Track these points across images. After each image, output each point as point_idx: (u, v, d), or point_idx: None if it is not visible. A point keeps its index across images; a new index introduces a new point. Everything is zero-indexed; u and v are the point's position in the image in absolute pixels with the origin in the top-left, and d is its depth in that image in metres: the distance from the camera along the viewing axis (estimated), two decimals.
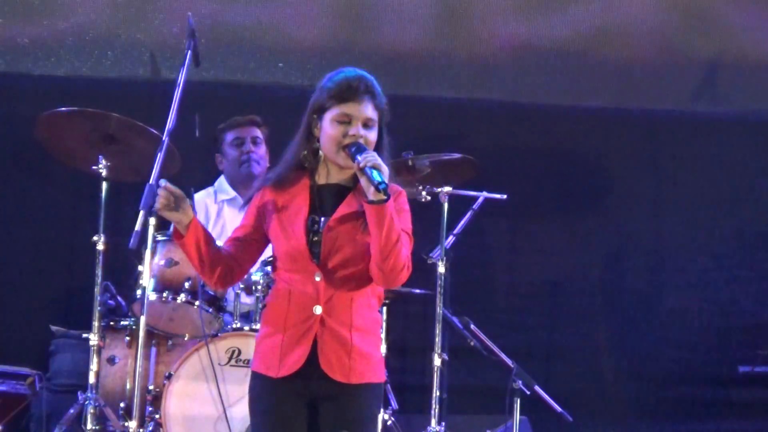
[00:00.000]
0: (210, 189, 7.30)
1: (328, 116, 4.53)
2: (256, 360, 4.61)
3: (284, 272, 4.57)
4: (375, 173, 4.37)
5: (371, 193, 4.38)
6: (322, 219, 4.53)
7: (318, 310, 4.50)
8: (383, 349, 6.89)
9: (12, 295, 7.93)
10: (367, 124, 4.52)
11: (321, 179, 4.60)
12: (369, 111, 4.52)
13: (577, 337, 8.34)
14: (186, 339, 6.57)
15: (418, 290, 7.04)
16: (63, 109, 6.45)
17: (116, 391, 6.59)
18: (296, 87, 8.08)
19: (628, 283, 8.52)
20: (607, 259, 8.49)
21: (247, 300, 6.54)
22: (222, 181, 7.29)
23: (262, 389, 4.57)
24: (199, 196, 7.12)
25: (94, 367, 6.34)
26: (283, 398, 4.52)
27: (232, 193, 7.18)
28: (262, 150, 7.15)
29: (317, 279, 4.50)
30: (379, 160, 4.42)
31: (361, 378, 4.51)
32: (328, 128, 4.53)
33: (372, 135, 4.52)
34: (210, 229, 7.02)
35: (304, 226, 4.51)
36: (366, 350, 4.53)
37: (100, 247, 6.35)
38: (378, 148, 4.56)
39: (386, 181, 4.38)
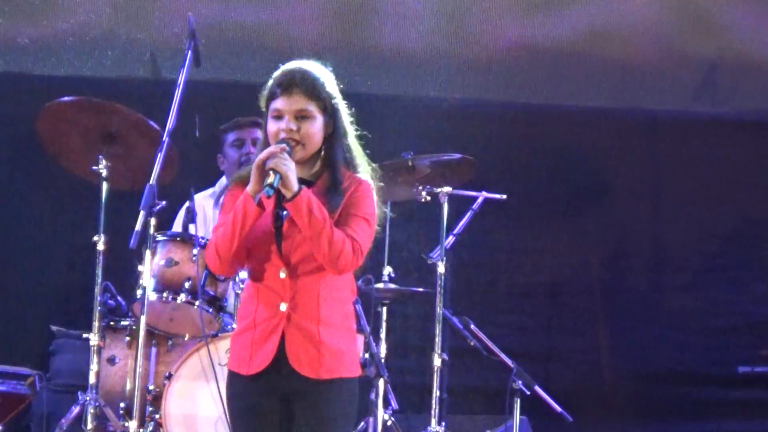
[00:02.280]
0: (209, 191, 7.28)
1: (268, 114, 4.58)
2: (230, 358, 4.64)
3: (253, 270, 4.58)
4: (270, 177, 4.39)
5: (283, 191, 4.42)
6: (284, 215, 4.52)
7: (283, 307, 4.51)
8: (383, 349, 6.89)
9: (12, 295, 7.93)
10: (300, 116, 4.51)
11: None
12: (300, 102, 4.51)
13: (577, 337, 8.34)
14: (186, 339, 6.56)
15: (421, 289, 7.04)
16: (66, 98, 6.45)
17: (116, 391, 6.59)
18: None
19: (628, 283, 8.51)
20: (607, 259, 8.49)
21: None
22: (223, 183, 7.28)
23: (236, 387, 4.58)
24: (198, 197, 7.11)
25: (94, 367, 6.33)
26: (257, 394, 4.53)
27: None
28: None
29: (282, 276, 4.51)
30: (277, 160, 4.40)
31: (332, 373, 4.51)
32: (268, 126, 4.57)
33: (308, 126, 4.51)
34: (208, 231, 7.02)
35: (271, 222, 4.52)
36: (336, 345, 4.53)
37: (100, 247, 6.35)
38: (333, 137, 4.55)
39: (276, 184, 4.36)
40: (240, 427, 4.60)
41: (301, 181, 4.52)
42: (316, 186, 4.54)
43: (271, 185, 4.40)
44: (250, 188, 4.46)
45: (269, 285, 4.53)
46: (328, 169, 4.56)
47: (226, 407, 4.67)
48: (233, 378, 4.61)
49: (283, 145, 4.48)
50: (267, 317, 4.52)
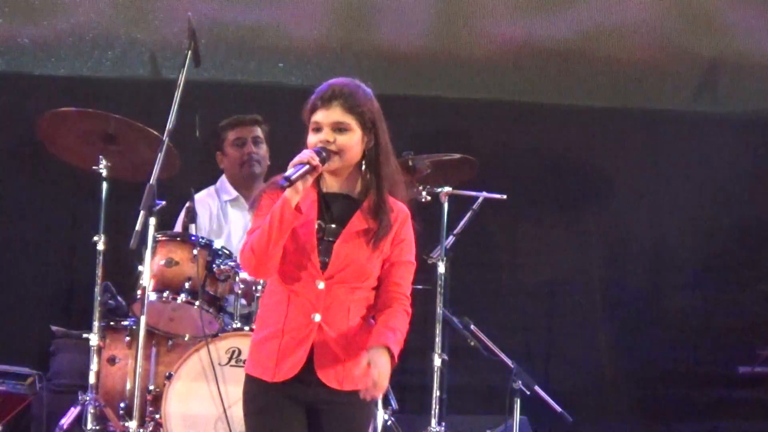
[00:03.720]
0: (211, 188, 7.30)
1: (309, 127, 4.62)
2: (251, 363, 4.64)
3: (286, 276, 4.58)
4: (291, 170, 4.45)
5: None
6: (327, 227, 4.57)
7: (317, 317, 4.54)
8: None
9: (12, 295, 7.93)
10: (337, 128, 4.56)
11: (326, 187, 4.64)
12: (336, 115, 4.55)
13: (577, 337, 8.34)
14: (186, 339, 6.57)
15: (420, 286, 7.04)
16: (63, 109, 6.46)
17: (116, 391, 6.59)
18: (296, 87, 8.09)
19: (628, 283, 8.51)
20: (607, 259, 8.49)
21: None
22: (224, 181, 7.29)
23: (258, 391, 4.60)
24: (200, 196, 7.13)
25: (94, 367, 6.34)
26: (281, 400, 4.56)
27: (234, 193, 7.19)
28: (263, 150, 7.16)
29: (320, 287, 4.55)
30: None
31: (354, 385, 4.56)
32: (308, 137, 4.61)
33: (344, 138, 4.55)
34: (214, 228, 7.04)
35: (314, 234, 4.56)
36: (359, 358, 4.57)
37: (100, 247, 6.35)
38: (375, 152, 4.60)
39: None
40: (263, 428, 4.61)
41: (347, 198, 4.61)
42: (365, 205, 4.60)
43: (287, 178, 4.42)
44: (288, 192, 4.48)
45: (303, 293, 4.56)
46: (372, 188, 4.62)
47: (244, 410, 4.65)
48: (254, 383, 4.61)
49: (312, 154, 4.50)
50: (298, 326, 4.55)
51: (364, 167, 4.61)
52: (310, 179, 4.49)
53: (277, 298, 4.61)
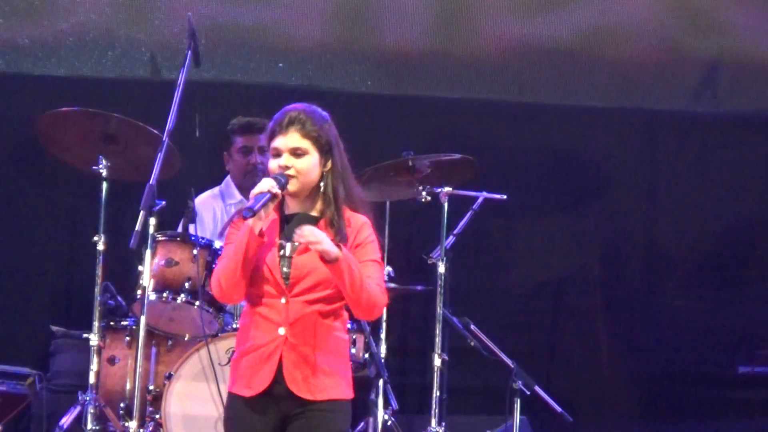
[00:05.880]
0: (215, 190, 7.29)
1: (270, 153, 4.83)
2: (230, 380, 4.82)
3: (252, 296, 4.76)
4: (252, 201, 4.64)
5: (324, 254, 4.62)
6: (288, 244, 4.72)
7: (282, 331, 4.69)
8: (383, 349, 6.90)
9: (12, 295, 7.93)
10: (295, 153, 4.75)
11: (287, 209, 4.83)
12: (294, 141, 4.75)
13: (577, 337, 8.34)
14: (186, 339, 6.57)
15: (419, 287, 7.05)
16: (64, 108, 6.46)
17: (116, 391, 6.59)
18: (296, 87, 8.09)
19: (629, 283, 8.51)
20: (608, 259, 8.49)
21: None
22: (229, 184, 7.29)
23: (236, 409, 4.76)
24: (204, 197, 7.13)
25: (94, 367, 6.34)
26: (256, 417, 4.71)
27: (239, 197, 7.20)
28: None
29: (282, 302, 4.70)
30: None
31: (326, 394, 4.71)
32: (269, 163, 4.82)
33: (302, 162, 4.74)
34: (218, 231, 7.04)
35: (275, 250, 4.72)
36: (330, 368, 4.73)
37: (100, 247, 6.35)
38: (332, 173, 4.77)
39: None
40: None
41: (306, 216, 4.78)
42: (322, 221, 4.76)
43: (251, 209, 4.60)
44: (251, 220, 4.65)
45: (269, 310, 4.72)
46: (330, 206, 4.78)
47: (224, 425, 4.83)
48: (232, 399, 4.78)
49: (272, 182, 4.68)
50: (266, 341, 4.71)
51: (322, 188, 4.78)
52: (271, 206, 4.68)
53: (248, 318, 4.78)
